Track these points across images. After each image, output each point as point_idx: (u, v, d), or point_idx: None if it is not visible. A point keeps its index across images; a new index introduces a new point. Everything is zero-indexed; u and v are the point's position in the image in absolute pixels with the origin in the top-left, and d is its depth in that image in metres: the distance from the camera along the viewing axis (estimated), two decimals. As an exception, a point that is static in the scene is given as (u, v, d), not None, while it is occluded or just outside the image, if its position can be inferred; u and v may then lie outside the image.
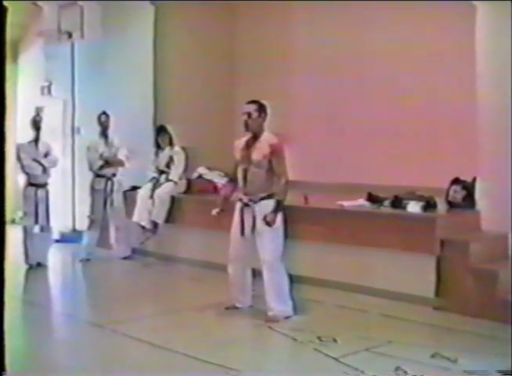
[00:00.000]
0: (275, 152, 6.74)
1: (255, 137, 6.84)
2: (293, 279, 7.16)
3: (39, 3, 11.82)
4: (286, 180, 6.76)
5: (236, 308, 7.07)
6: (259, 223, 6.71)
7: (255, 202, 6.76)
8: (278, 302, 6.79)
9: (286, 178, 6.76)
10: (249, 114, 6.78)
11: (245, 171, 6.84)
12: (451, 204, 7.91)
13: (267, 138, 6.80)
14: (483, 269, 6.99)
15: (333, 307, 7.41)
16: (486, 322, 6.53)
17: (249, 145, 6.86)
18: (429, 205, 7.70)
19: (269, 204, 6.72)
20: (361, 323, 6.75)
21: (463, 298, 6.95)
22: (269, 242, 6.74)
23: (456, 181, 8.01)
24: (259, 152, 6.75)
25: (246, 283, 7.05)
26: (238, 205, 6.91)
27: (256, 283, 7.01)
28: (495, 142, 7.45)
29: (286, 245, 7.29)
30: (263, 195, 6.75)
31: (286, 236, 6.87)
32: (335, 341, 6.03)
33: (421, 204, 7.65)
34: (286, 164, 6.80)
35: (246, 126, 6.82)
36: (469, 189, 7.90)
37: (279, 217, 6.77)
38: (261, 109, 6.85)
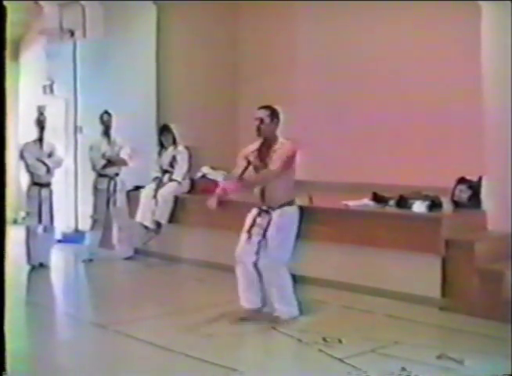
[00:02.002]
0: (286, 156, 6.58)
1: (269, 144, 6.66)
2: (298, 279, 7.13)
3: (41, 2, 11.79)
4: (272, 172, 6.57)
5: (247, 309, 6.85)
6: (273, 228, 6.61)
7: (274, 209, 6.66)
8: (282, 303, 6.74)
9: (274, 171, 6.56)
10: (261, 120, 6.61)
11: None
12: (457, 204, 7.87)
13: (284, 146, 6.60)
14: (489, 269, 6.96)
15: (338, 308, 7.38)
16: (492, 322, 6.49)
17: (262, 152, 6.68)
18: (434, 205, 7.66)
19: (288, 211, 6.68)
20: (366, 324, 6.72)
21: (469, 299, 6.91)
22: (280, 248, 6.65)
23: (461, 180, 7.99)
24: (275, 162, 6.55)
25: (252, 282, 6.82)
26: (254, 211, 6.76)
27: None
28: (500, 142, 7.41)
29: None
30: (282, 202, 6.66)
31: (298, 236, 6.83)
32: (340, 342, 5.99)
33: (426, 203, 7.61)
34: (285, 166, 6.57)
35: (259, 131, 6.65)
36: (475, 188, 7.87)
37: (296, 220, 6.74)
38: (274, 114, 6.68)
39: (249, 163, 6.80)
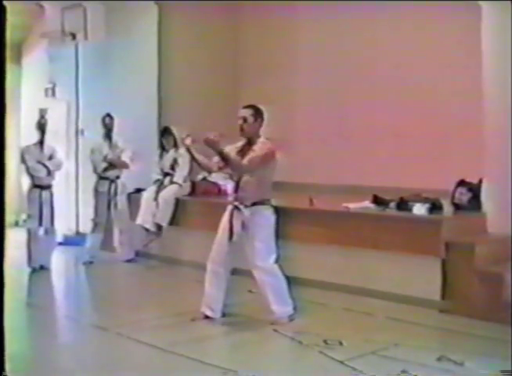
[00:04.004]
0: (263, 152, 6.58)
1: (250, 143, 6.69)
2: (298, 281, 7.15)
3: (42, 3, 11.81)
4: (246, 166, 6.56)
5: (207, 318, 6.85)
6: (250, 228, 6.61)
7: (246, 206, 6.65)
8: (280, 305, 6.72)
9: (248, 166, 6.56)
10: (244, 119, 6.62)
11: (238, 178, 6.73)
12: (457, 206, 7.89)
13: (261, 144, 6.63)
14: (489, 272, 6.97)
15: (338, 310, 7.38)
16: (492, 324, 6.50)
17: (244, 151, 6.67)
18: (435, 207, 7.67)
19: (261, 210, 6.67)
20: (367, 326, 6.72)
21: (469, 301, 6.92)
22: (262, 248, 6.65)
23: (461, 183, 8.00)
24: (251, 156, 6.58)
25: (223, 290, 6.87)
26: (228, 208, 6.78)
27: (255, 285, 6.91)
28: (501, 144, 7.42)
29: (290, 247, 7.31)
30: (255, 201, 6.65)
31: (277, 237, 6.81)
32: (341, 344, 5.99)
33: (427, 206, 7.62)
34: (260, 164, 6.56)
35: (242, 131, 6.67)
36: (475, 191, 7.89)
37: (270, 220, 6.73)
38: (258, 114, 6.68)
39: None
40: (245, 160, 6.56)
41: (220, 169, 7.05)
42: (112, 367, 5.55)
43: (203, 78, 11.20)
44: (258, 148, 6.60)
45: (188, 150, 6.69)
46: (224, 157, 6.47)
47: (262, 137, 6.71)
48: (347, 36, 10.06)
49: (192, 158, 6.81)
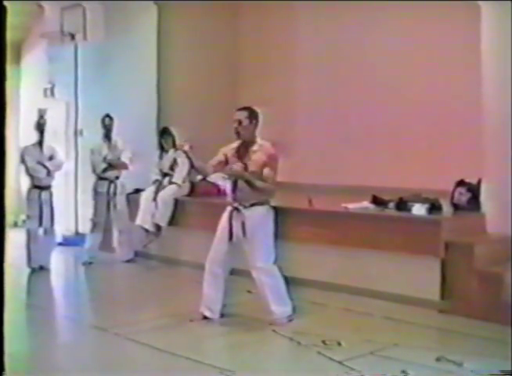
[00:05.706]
0: (269, 161, 6.60)
1: (247, 145, 6.68)
2: (297, 282, 7.14)
3: (41, 3, 11.81)
4: (273, 187, 6.67)
5: (206, 318, 6.85)
6: (249, 229, 6.60)
7: (245, 207, 6.65)
8: (279, 305, 6.73)
9: (273, 183, 6.64)
10: (239, 122, 6.61)
11: (236, 179, 6.70)
12: (456, 207, 7.88)
13: (263, 148, 6.64)
14: (488, 272, 6.96)
15: (337, 310, 7.37)
16: (491, 325, 6.50)
17: (241, 153, 6.69)
18: (434, 207, 7.67)
19: (260, 210, 6.66)
20: (365, 327, 6.72)
21: (468, 301, 6.92)
22: (262, 249, 6.66)
23: (461, 183, 8.00)
24: (256, 163, 6.59)
25: (221, 291, 6.88)
26: (227, 209, 6.77)
27: (254, 285, 6.90)
28: (500, 144, 7.42)
29: (289, 247, 7.30)
30: (254, 202, 6.64)
31: (276, 237, 6.81)
32: (339, 344, 5.99)
33: (426, 206, 7.62)
34: (276, 174, 6.67)
35: (238, 134, 6.66)
36: (474, 191, 7.88)
37: (269, 220, 6.74)
38: (252, 116, 6.68)
39: (226, 159, 6.78)
40: (264, 183, 6.55)
41: (215, 172, 7.08)
42: (110, 368, 5.55)
43: (203, 79, 11.19)
44: (262, 153, 6.60)
45: (186, 155, 6.71)
46: (249, 183, 6.53)
47: (259, 139, 6.71)
48: (346, 37, 10.06)
49: (191, 164, 6.88)
